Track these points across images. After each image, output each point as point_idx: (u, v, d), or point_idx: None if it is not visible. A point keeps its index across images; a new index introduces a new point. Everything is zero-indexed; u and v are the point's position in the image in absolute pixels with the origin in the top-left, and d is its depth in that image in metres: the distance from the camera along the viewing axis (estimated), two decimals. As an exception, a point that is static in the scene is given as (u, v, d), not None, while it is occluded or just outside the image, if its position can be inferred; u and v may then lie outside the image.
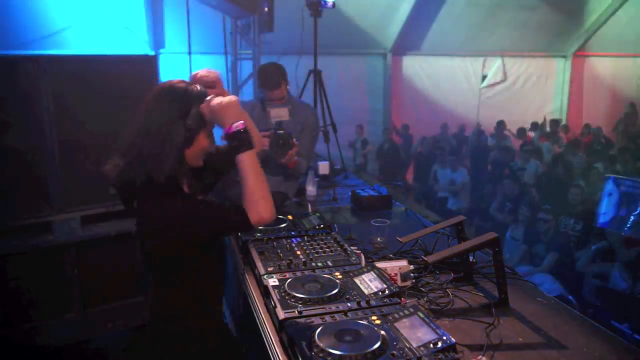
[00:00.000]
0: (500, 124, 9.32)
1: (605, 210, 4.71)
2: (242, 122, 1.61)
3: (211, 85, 1.75)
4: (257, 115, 3.19)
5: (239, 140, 1.61)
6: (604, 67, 10.12)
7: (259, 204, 1.63)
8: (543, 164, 7.11)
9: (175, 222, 1.60)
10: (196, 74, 1.77)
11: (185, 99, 1.61)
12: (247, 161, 1.63)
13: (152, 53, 5.85)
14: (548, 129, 9.18)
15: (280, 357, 1.62)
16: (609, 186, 4.61)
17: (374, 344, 1.46)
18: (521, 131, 8.82)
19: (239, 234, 2.50)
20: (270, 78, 2.98)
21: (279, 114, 2.83)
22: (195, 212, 1.63)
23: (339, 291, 1.82)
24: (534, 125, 9.27)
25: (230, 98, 1.63)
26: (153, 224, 1.64)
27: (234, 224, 1.69)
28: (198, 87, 1.67)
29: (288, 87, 3.10)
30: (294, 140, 2.86)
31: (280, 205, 3.16)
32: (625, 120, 9.42)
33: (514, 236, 5.39)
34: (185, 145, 1.61)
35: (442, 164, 7.20)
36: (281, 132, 2.81)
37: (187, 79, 1.78)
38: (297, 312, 1.67)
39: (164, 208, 1.61)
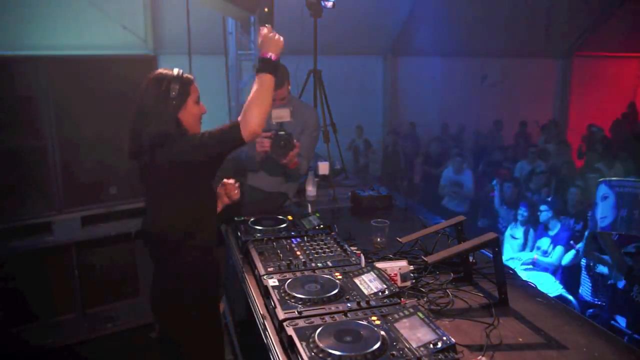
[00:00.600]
0: (500, 125, 9.33)
1: (604, 214, 4.69)
2: (275, 54, 2.01)
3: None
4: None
5: (266, 64, 1.99)
6: (604, 67, 10.12)
7: (251, 112, 1.92)
8: (547, 165, 7.12)
9: (185, 153, 1.93)
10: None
11: (166, 78, 1.99)
12: (264, 79, 1.98)
13: (151, 53, 5.86)
14: (549, 129, 9.17)
15: (280, 357, 1.62)
16: (603, 190, 4.61)
17: (374, 344, 1.46)
18: (548, 126, 8.74)
19: (239, 234, 2.51)
20: (277, 80, 2.97)
21: (280, 114, 2.83)
22: (197, 137, 1.96)
23: (338, 291, 1.82)
24: (543, 127, 9.26)
25: (278, 37, 2.04)
26: (168, 164, 1.95)
27: (231, 136, 1.95)
28: (177, 71, 2.02)
29: (290, 87, 3.10)
30: (295, 141, 2.86)
31: (280, 206, 3.16)
32: (623, 119, 9.42)
33: (514, 235, 5.40)
34: (175, 110, 1.97)
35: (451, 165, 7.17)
36: (282, 132, 2.81)
37: None
38: (297, 313, 1.67)
39: (173, 148, 1.94)
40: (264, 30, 2.03)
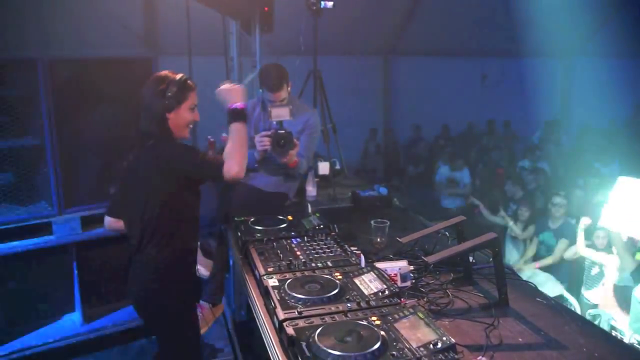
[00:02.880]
0: (500, 125, 9.33)
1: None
2: (241, 103, 2.13)
3: None
4: (258, 115, 3.20)
5: (235, 114, 2.11)
6: (604, 67, 10.12)
7: (234, 159, 2.03)
8: (550, 164, 7.13)
9: (163, 160, 2.04)
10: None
11: (164, 80, 2.09)
12: (238, 128, 2.10)
13: (151, 54, 5.86)
14: (549, 129, 9.18)
15: (280, 357, 1.62)
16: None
17: (374, 344, 1.46)
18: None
19: (239, 234, 2.51)
20: (272, 80, 2.97)
21: (280, 113, 2.84)
22: (180, 153, 2.06)
23: (338, 291, 1.82)
24: (547, 124, 9.26)
25: (238, 86, 2.17)
26: (149, 163, 2.07)
27: (209, 173, 2.08)
28: (181, 75, 2.11)
29: (289, 88, 3.10)
30: (295, 140, 2.86)
31: (280, 206, 3.16)
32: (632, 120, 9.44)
33: (514, 234, 5.39)
34: (165, 110, 2.07)
35: (444, 163, 7.19)
36: (282, 131, 2.82)
37: None
38: (297, 313, 1.67)
39: (157, 150, 2.06)
40: (225, 85, 2.17)
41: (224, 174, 2.00)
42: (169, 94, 2.06)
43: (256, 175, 3.16)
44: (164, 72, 2.14)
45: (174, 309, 2.14)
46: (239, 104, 2.12)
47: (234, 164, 2.00)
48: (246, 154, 2.09)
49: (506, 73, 9.50)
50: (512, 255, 5.26)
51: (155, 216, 2.07)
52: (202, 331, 2.92)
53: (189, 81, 2.13)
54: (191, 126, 2.18)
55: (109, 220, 2.34)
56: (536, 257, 5.03)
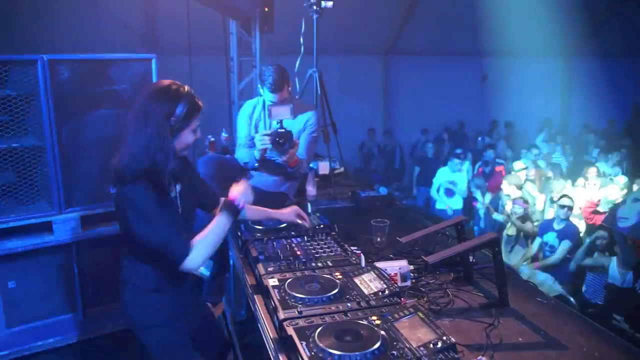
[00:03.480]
0: (500, 124, 9.33)
1: (628, 215, 4.69)
2: (244, 202, 1.99)
3: None
4: (258, 115, 3.20)
5: (232, 208, 1.96)
6: (602, 67, 10.12)
7: (201, 252, 1.86)
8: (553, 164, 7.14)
9: (128, 206, 1.87)
10: None
11: (172, 100, 1.84)
12: (224, 222, 1.94)
13: (151, 53, 5.85)
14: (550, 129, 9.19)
15: (280, 357, 1.62)
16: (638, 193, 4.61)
17: (374, 344, 1.46)
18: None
19: (239, 233, 2.51)
20: (272, 82, 2.98)
21: (280, 112, 2.85)
22: (146, 215, 1.83)
23: (339, 291, 1.82)
24: (547, 124, 9.27)
25: (251, 191, 2.04)
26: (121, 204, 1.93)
27: (170, 251, 1.86)
28: (186, 88, 1.89)
29: (290, 89, 3.11)
30: (295, 139, 2.87)
31: (280, 206, 3.16)
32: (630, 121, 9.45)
33: (510, 234, 5.40)
34: (171, 141, 1.85)
35: (443, 164, 7.20)
36: (282, 130, 2.82)
37: (185, 79, 1.97)
38: (297, 312, 1.67)
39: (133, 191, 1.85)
40: (243, 185, 2.03)
41: (184, 262, 1.82)
42: (173, 118, 1.82)
43: (256, 175, 3.17)
44: (168, 85, 1.87)
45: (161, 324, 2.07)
46: (242, 204, 1.99)
47: (199, 257, 1.84)
48: (214, 249, 1.92)
49: (506, 73, 9.50)
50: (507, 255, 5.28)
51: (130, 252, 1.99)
52: None
53: (195, 99, 1.90)
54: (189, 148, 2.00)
55: None
56: (538, 258, 5.03)
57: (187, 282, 2.12)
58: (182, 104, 1.84)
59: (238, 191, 2.00)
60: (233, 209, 1.96)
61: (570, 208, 4.91)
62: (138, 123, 1.82)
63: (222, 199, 2.11)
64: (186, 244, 1.84)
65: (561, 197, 5.05)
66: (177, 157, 1.95)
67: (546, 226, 5.08)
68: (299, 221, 2.40)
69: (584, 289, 4.44)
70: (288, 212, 2.42)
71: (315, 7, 3.90)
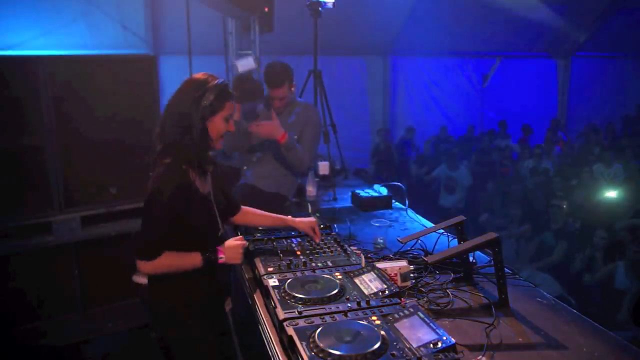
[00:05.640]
0: (500, 124, 9.32)
1: None
2: (225, 259, 1.98)
3: None
4: (262, 114, 3.20)
5: (212, 257, 1.96)
6: (604, 67, 10.12)
7: (165, 263, 1.89)
8: (554, 164, 7.15)
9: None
10: None
11: (201, 86, 1.91)
12: (197, 262, 1.94)
13: (151, 53, 5.85)
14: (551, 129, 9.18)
15: (280, 357, 1.62)
16: None
17: (374, 344, 1.46)
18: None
19: (239, 233, 2.50)
20: (273, 76, 3.02)
21: (244, 63, 2.93)
22: (149, 198, 1.86)
23: (339, 291, 1.82)
24: (554, 123, 9.26)
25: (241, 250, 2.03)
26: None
27: (136, 242, 1.94)
28: (217, 80, 1.94)
29: (293, 89, 3.14)
30: (295, 137, 2.91)
31: (279, 207, 3.16)
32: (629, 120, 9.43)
33: (511, 235, 5.40)
34: (202, 119, 1.89)
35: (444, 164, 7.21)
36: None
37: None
38: (297, 312, 1.67)
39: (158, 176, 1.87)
40: (236, 244, 2.02)
41: (139, 261, 1.86)
42: (205, 102, 1.88)
43: (254, 175, 3.16)
44: (202, 76, 1.95)
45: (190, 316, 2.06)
46: (223, 258, 1.97)
47: (156, 268, 1.88)
48: (168, 272, 1.93)
49: (507, 73, 9.50)
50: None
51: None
52: None
53: (227, 88, 1.96)
54: (223, 137, 2.02)
55: None
56: (536, 258, 5.03)
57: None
58: (212, 88, 1.90)
59: (229, 247, 1.99)
60: (213, 259, 1.96)
61: (562, 207, 4.92)
62: (169, 106, 1.93)
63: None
64: (153, 241, 1.87)
65: (553, 197, 5.07)
66: (210, 146, 1.97)
67: (544, 226, 5.09)
68: (310, 234, 2.35)
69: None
70: (305, 222, 2.35)
71: (315, 7, 3.90)
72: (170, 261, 1.90)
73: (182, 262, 1.93)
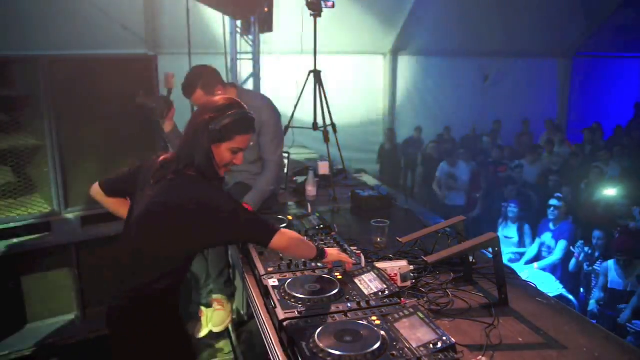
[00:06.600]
0: (501, 124, 9.32)
1: None
2: (329, 260, 2.01)
3: None
4: None
5: (320, 253, 1.98)
6: (604, 67, 10.12)
7: (293, 251, 1.92)
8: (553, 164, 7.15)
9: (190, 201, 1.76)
10: None
11: (218, 110, 1.84)
12: (312, 253, 1.96)
13: (151, 53, 5.85)
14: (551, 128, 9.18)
15: (280, 357, 1.62)
16: None
17: (374, 344, 1.46)
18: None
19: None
20: (184, 86, 2.80)
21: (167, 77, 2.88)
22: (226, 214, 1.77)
23: (339, 291, 1.82)
24: (548, 124, 9.26)
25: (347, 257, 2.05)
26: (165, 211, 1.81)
27: (258, 239, 1.88)
28: (236, 110, 1.85)
29: (219, 91, 2.76)
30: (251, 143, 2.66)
31: (273, 200, 3.08)
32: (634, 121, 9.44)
33: (506, 235, 5.40)
34: (207, 144, 1.83)
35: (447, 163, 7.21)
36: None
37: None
38: (297, 312, 1.67)
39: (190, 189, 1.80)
40: (343, 256, 2.04)
41: (271, 241, 1.80)
42: (214, 126, 1.81)
43: (239, 173, 3.04)
44: (225, 101, 1.88)
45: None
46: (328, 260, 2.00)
47: (285, 240, 1.83)
48: (297, 255, 2.01)
49: (507, 73, 9.50)
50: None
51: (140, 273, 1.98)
52: (202, 334, 2.92)
53: (245, 120, 1.88)
54: (228, 168, 1.94)
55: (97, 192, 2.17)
56: (536, 258, 5.04)
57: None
58: (226, 116, 1.83)
59: (332, 253, 2.01)
60: (322, 254, 1.97)
61: (559, 208, 4.92)
62: (191, 117, 1.90)
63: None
64: (274, 227, 1.86)
65: (551, 197, 5.07)
66: (214, 170, 1.88)
67: (543, 227, 5.09)
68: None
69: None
70: (335, 255, 2.07)
71: (315, 7, 3.90)
72: (296, 235, 1.92)
73: (304, 242, 1.95)
